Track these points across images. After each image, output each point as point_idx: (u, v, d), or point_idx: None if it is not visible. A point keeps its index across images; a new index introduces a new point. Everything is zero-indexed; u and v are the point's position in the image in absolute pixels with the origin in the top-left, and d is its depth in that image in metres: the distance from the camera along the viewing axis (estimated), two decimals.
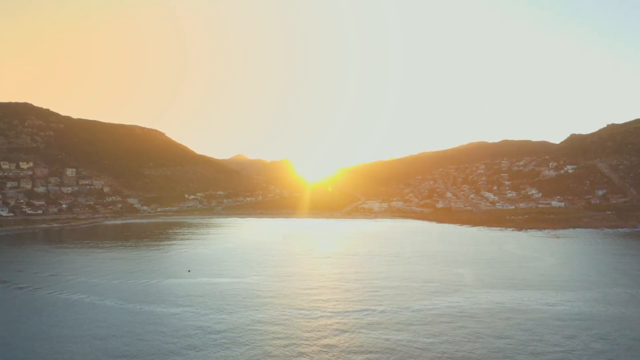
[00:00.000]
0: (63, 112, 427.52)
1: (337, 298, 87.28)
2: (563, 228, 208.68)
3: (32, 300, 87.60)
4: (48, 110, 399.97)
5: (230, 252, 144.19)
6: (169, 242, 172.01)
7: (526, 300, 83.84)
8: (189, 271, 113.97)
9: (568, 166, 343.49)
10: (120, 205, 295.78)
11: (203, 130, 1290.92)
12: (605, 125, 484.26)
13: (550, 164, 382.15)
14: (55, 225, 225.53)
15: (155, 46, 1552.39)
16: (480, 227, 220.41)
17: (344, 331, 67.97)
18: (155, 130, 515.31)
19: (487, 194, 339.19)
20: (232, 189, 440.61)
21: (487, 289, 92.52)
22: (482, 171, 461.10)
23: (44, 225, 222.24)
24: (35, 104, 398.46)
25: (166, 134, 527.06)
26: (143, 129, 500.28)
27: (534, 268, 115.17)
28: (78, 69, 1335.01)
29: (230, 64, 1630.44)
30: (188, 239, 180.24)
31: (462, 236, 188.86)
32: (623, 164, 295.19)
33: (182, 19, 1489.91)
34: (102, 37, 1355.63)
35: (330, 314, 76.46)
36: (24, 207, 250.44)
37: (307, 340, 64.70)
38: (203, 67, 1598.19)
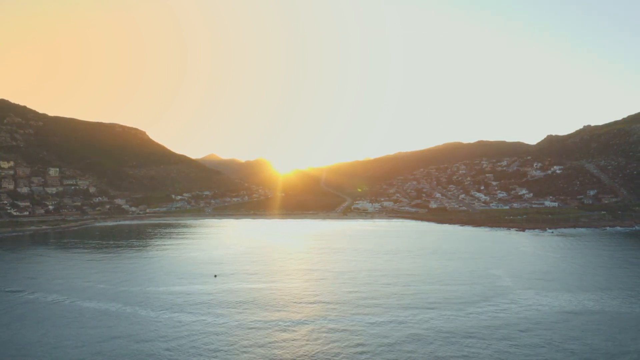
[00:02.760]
0: (39, 109, 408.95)
1: (381, 295, 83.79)
2: (564, 228, 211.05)
3: (77, 310, 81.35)
4: (25, 107, 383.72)
5: (247, 255, 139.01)
6: (174, 245, 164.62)
7: (580, 302, 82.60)
8: (215, 276, 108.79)
9: (555, 166, 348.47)
10: (108, 206, 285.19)
11: (173, 130, 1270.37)
12: (582, 127, 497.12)
13: (535, 164, 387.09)
14: (44, 227, 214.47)
15: (126, 46, 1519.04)
16: (483, 227, 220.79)
17: (414, 333, 64.84)
18: (136, 129, 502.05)
19: (478, 194, 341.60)
20: (217, 189, 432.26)
21: (533, 291, 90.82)
22: (464, 171, 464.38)
23: (33, 228, 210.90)
24: (12, 101, 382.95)
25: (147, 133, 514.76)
26: (123, 127, 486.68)
27: (566, 268, 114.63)
28: (48, 65, 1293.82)
29: (202, 64, 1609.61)
30: (193, 242, 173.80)
31: (470, 237, 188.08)
32: (611, 164, 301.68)
33: (154, 19, 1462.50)
34: (67, 34, 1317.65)
35: (388, 316, 72.84)
36: (9, 208, 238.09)
37: (378, 340, 61.30)
38: (173, 66, 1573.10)
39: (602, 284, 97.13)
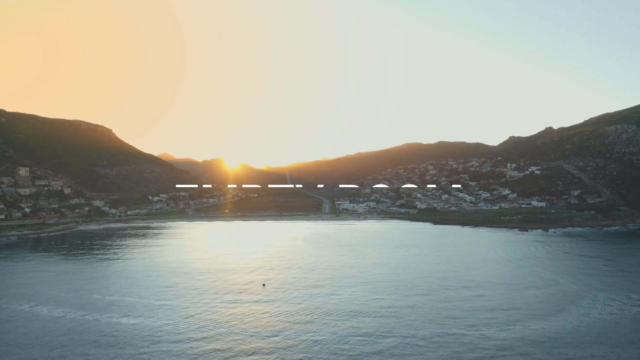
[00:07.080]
0: None
1: (468, 307, 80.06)
2: (562, 227, 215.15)
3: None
4: None
5: (279, 260, 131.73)
6: (185, 250, 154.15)
7: None
8: (264, 285, 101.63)
9: (532, 167, 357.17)
10: (87, 209, 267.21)
11: (127, 128, 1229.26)
12: (544, 129, 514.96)
13: (509, 165, 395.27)
14: (27, 232, 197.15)
15: (72, 38, 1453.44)
16: (483, 227, 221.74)
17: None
18: (102, 127, 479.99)
19: (462, 195, 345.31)
20: (191, 190, 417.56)
21: (609, 293, 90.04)
22: (434, 171, 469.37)
23: (14, 233, 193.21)
24: None
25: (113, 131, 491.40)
26: (89, 124, 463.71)
27: (621, 268, 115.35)
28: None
29: (156, 62, 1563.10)
30: (202, 247, 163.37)
31: (481, 237, 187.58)
32: (590, 165, 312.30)
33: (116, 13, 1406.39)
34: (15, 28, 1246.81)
35: (482, 332, 69.05)
36: None
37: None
38: (127, 63, 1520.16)
39: None
